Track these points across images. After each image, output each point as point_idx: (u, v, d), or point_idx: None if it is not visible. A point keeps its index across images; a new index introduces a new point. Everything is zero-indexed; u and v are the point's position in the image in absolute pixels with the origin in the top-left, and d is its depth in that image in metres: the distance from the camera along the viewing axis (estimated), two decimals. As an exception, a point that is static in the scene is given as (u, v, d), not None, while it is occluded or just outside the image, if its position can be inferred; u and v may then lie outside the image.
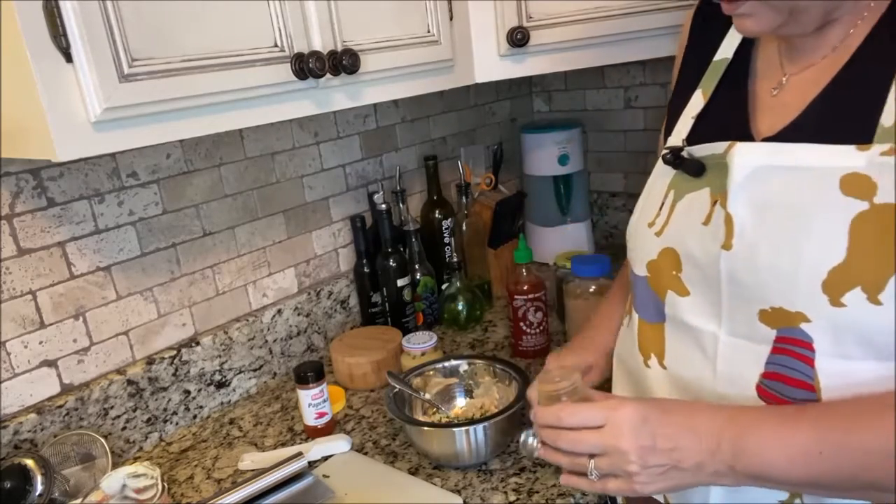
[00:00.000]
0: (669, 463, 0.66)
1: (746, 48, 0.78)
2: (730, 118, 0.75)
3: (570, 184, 1.72)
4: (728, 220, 0.68)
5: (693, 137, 0.78)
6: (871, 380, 0.62)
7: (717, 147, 0.71)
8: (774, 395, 0.67)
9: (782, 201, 0.65)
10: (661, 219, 0.78)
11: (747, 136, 0.71)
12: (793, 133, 0.68)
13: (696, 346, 0.74)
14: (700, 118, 0.79)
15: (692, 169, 0.74)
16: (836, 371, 0.63)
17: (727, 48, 0.79)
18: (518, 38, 1.12)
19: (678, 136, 0.80)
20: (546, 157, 1.69)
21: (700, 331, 0.73)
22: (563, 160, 1.69)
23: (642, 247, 0.80)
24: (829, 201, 0.62)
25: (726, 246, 0.68)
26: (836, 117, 0.66)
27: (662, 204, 0.78)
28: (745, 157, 0.68)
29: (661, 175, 0.81)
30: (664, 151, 0.79)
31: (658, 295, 0.78)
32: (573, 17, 1.13)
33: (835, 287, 0.61)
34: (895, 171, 0.59)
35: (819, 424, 0.62)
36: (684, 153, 0.76)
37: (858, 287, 0.60)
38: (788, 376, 0.66)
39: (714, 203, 0.71)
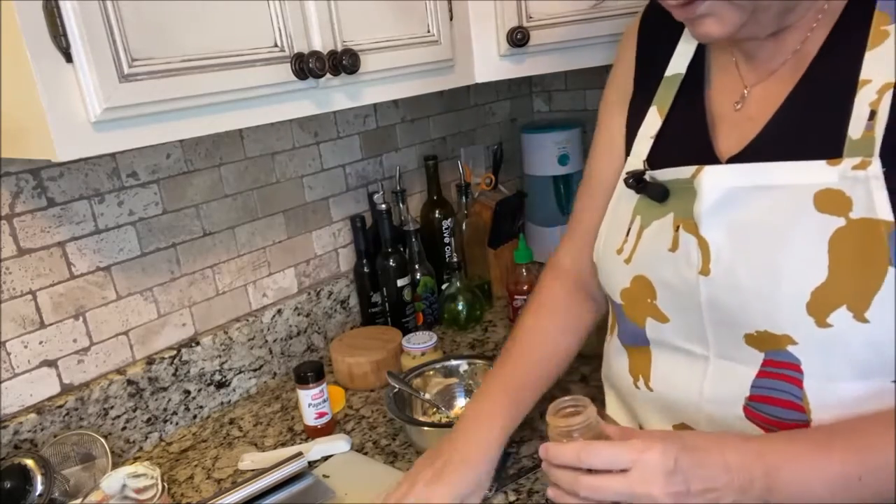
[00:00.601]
0: None
1: (699, 63, 0.75)
2: (690, 138, 0.73)
3: (570, 184, 1.72)
4: (703, 246, 0.66)
5: (654, 159, 0.75)
6: (863, 397, 0.61)
7: (682, 171, 0.69)
8: (762, 415, 0.66)
9: (757, 222, 0.63)
10: (628, 245, 0.75)
11: (711, 157, 0.69)
12: (758, 150, 0.66)
13: (684, 368, 0.72)
14: (658, 138, 0.76)
15: (656, 194, 0.72)
16: (825, 391, 0.62)
17: (679, 63, 0.76)
18: (518, 38, 1.11)
19: (637, 157, 0.77)
20: (546, 157, 1.69)
21: (690, 353, 0.71)
22: (563, 160, 1.69)
23: (613, 275, 0.78)
24: (805, 219, 0.61)
25: (704, 272, 0.66)
26: (801, 131, 0.64)
27: (629, 230, 0.76)
28: (714, 180, 0.65)
29: (624, 199, 0.78)
30: (624, 175, 0.76)
31: (636, 322, 0.76)
32: (573, 17, 1.13)
33: (820, 308, 0.59)
34: (868, 185, 0.58)
35: (850, 448, 0.59)
36: (646, 177, 0.73)
37: (844, 306, 0.59)
38: (776, 398, 0.64)
39: (677, 228, 0.69)
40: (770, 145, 0.66)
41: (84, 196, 1.06)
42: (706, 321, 0.68)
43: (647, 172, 0.74)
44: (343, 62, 0.90)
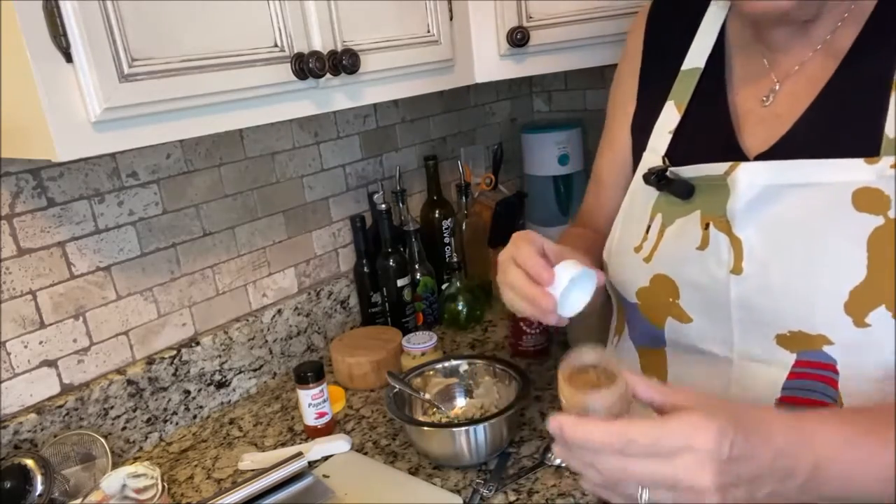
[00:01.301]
0: (746, 496, 0.52)
1: (719, 57, 0.74)
2: (714, 134, 0.71)
3: (570, 184, 1.72)
4: (736, 244, 0.65)
5: (675, 155, 0.73)
6: None
7: (714, 168, 0.67)
8: None
9: (793, 220, 0.62)
10: (648, 244, 0.73)
11: (738, 154, 0.68)
12: (789, 147, 0.65)
13: (705, 370, 0.70)
14: (678, 133, 0.75)
15: (681, 191, 0.70)
16: (860, 391, 0.61)
17: (696, 57, 0.75)
18: (518, 38, 1.11)
19: (655, 152, 0.76)
20: (546, 157, 1.69)
21: (712, 355, 0.69)
22: (563, 160, 1.68)
23: (629, 273, 0.76)
24: (842, 218, 0.60)
25: (736, 270, 0.65)
26: (835, 129, 0.63)
27: (648, 228, 0.74)
28: (751, 178, 0.64)
29: (642, 195, 0.76)
30: (645, 171, 0.74)
31: (654, 322, 0.74)
32: (573, 17, 1.13)
33: (858, 307, 0.59)
34: None
35: None
36: (669, 173, 0.71)
37: (882, 305, 0.58)
38: (809, 399, 0.63)
39: (706, 226, 0.67)
40: (801, 143, 0.65)
41: (84, 196, 1.06)
42: (734, 321, 0.67)
43: (670, 169, 0.72)
44: (343, 62, 0.90)
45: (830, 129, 0.63)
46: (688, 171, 0.70)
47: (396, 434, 1.11)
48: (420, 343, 1.24)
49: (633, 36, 0.84)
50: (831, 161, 0.61)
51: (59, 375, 1.06)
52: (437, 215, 1.53)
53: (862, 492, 0.54)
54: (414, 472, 1.01)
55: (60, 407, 1.03)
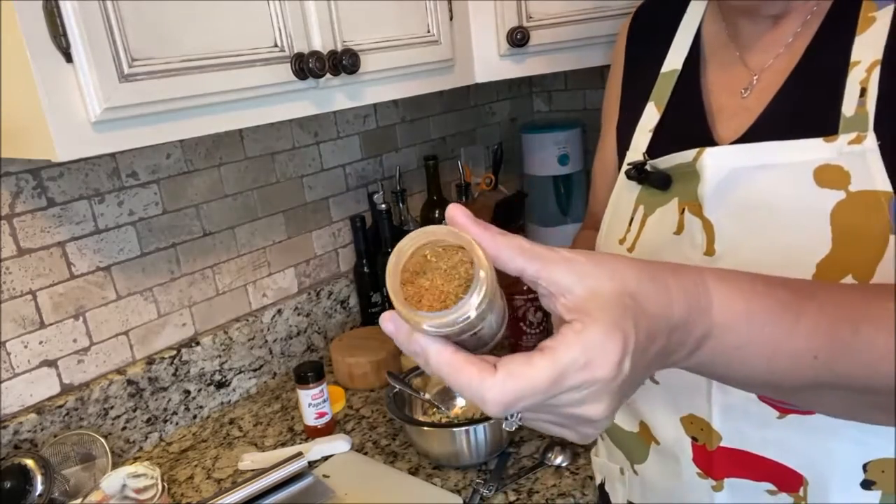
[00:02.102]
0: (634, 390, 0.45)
1: (695, 58, 0.78)
2: (689, 128, 0.75)
3: (570, 184, 1.72)
4: (707, 227, 0.68)
5: (654, 150, 0.77)
6: None
7: (684, 156, 0.70)
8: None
9: (759, 201, 0.65)
10: (631, 234, 0.77)
11: (710, 143, 0.71)
12: (755, 135, 0.68)
13: None
14: (657, 131, 0.78)
15: (658, 182, 0.73)
16: None
17: (674, 59, 0.79)
18: (518, 38, 1.11)
19: (636, 150, 0.79)
20: (546, 157, 1.69)
21: None
22: (563, 160, 1.68)
23: None
24: (805, 195, 0.62)
25: (708, 252, 0.67)
26: (797, 114, 0.66)
27: (632, 220, 0.77)
28: (717, 161, 0.67)
29: (626, 190, 0.80)
30: (626, 167, 0.78)
31: None
32: (573, 17, 1.13)
33: (826, 279, 0.61)
34: (865, 158, 0.60)
35: (826, 316, 0.46)
36: (647, 167, 0.75)
37: (850, 275, 0.60)
38: None
39: (682, 211, 0.70)
40: (767, 129, 0.68)
41: (84, 196, 1.06)
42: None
43: (649, 162, 0.75)
44: (343, 62, 0.90)
45: (792, 114, 0.67)
46: (663, 163, 0.74)
47: (396, 434, 1.11)
48: (420, 343, 1.24)
49: (617, 45, 0.89)
50: (792, 142, 0.64)
51: (59, 375, 1.06)
52: (437, 215, 1.53)
53: (750, 376, 0.47)
54: (414, 472, 1.01)
55: (60, 407, 1.03)
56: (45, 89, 0.68)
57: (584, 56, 1.17)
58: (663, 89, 0.79)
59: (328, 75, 0.89)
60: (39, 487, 0.90)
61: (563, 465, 0.98)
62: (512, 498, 0.93)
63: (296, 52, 0.87)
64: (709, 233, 0.68)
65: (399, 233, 1.42)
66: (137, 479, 0.92)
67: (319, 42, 0.90)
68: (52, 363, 1.05)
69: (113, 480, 0.91)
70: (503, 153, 1.72)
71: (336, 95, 0.95)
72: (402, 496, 0.95)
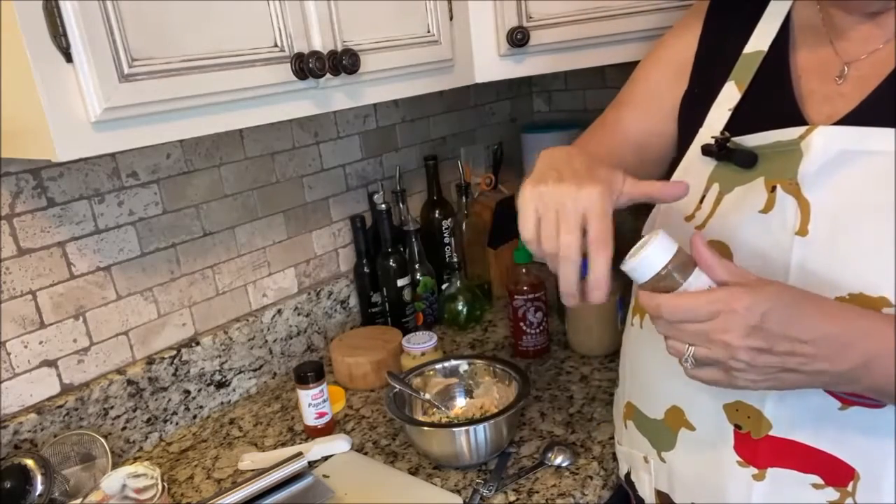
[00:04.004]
0: (782, 366, 0.60)
1: (783, 41, 0.77)
2: (777, 108, 0.74)
3: (570, 184, 1.72)
4: (804, 206, 0.67)
5: (735, 129, 0.75)
6: None
7: (788, 133, 0.69)
8: None
9: (862, 185, 0.64)
10: (702, 212, 0.75)
11: (804, 124, 0.70)
12: (856, 120, 0.67)
13: None
14: (738, 110, 0.77)
15: (744, 160, 0.72)
16: None
17: (760, 41, 0.78)
18: (518, 38, 1.11)
19: (711, 128, 0.78)
20: (546, 157, 1.69)
21: None
22: (563, 160, 1.68)
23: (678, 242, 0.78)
24: None
25: (801, 232, 0.66)
26: None
27: (703, 197, 0.76)
28: (828, 141, 0.66)
29: (697, 166, 0.78)
30: (706, 143, 0.76)
31: None
32: (573, 17, 1.13)
33: None
34: None
35: None
36: (730, 144, 0.74)
37: None
38: None
39: (772, 189, 0.69)
40: (869, 116, 0.67)
41: (84, 196, 1.06)
42: (792, 285, 0.67)
43: (732, 139, 0.74)
44: (343, 62, 0.90)
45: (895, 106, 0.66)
46: (753, 140, 0.72)
47: (396, 434, 1.11)
48: (420, 343, 1.24)
49: (694, 17, 0.86)
50: None
51: (59, 375, 1.06)
52: (437, 215, 1.53)
53: None
54: (414, 472, 1.01)
55: (60, 407, 1.03)
56: (45, 89, 0.68)
57: (584, 56, 1.17)
58: (746, 69, 0.77)
59: (328, 75, 0.89)
60: (39, 487, 0.90)
61: (563, 465, 0.98)
62: (512, 498, 0.93)
63: (296, 52, 0.87)
64: (804, 212, 0.67)
65: (399, 233, 1.43)
66: (137, 479, 0.92)
67: (319, 42, 0.90)
68: (52, 363, 1.05)
69: (113, 480, 0.91)
70: (503, 153, 1.72)
71: (336, 95, 0.95)
72: (402, 496, 0.95)
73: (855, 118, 0.67)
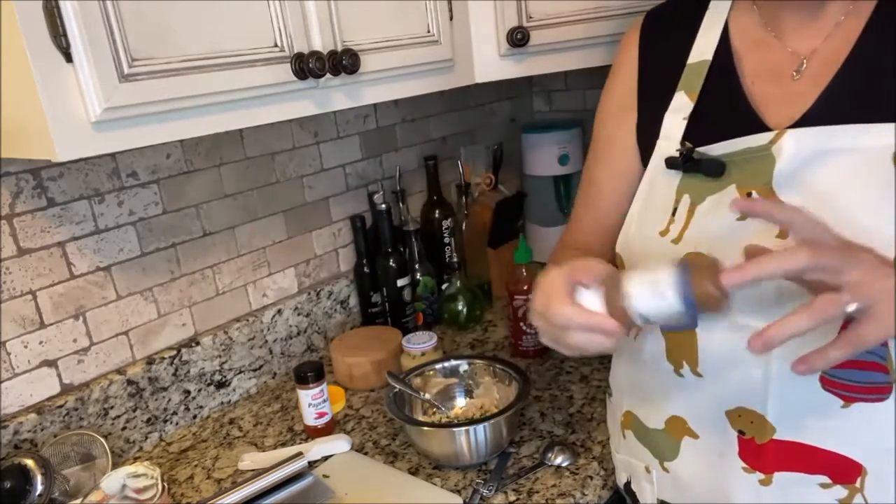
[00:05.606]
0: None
1: (725, 50, 0.77)
2: (733, 115, 0.73)
3: (570, 184, 1.72)
4: None
5: (694, 139, 0.75)
6: None
7: (756, 139, 0.69)
8: (842, 382, 0.65)
9: (837, 182, 0.65)
10: (676, 225, 0.74)
11: (764, 129, 0.70)
12: (815, 119, 0.67)
13: (742, 345, 0.69)
14: (693, 119, 0.76)
15: (712, 169, 0.72)
16: None
17: (703, 51, 0.78)
18: (518, 38, 1.11)
19: (670, 138, 0.77)
20: (546, 157, 1.69)
21: (750, 328, 0.68)
22: (563, 160, 1.68)
23: (652, 257, 0.76)
24: (884, 175, 0.63)
25: (781, 235, 0.66)
26: (859, 97, 0.66)
27: (674, 210, 0.75)
28: (799, 143, 0.66)
29: (662, 180, 0.77)
30: (669, 156, 0.75)
31: None
32: (573, 17, 1.13)
33: None
34: None
35: None
36: (695, 154, 0.73)
37: None
38: (859, 361, 0.64)
39: (748, 196, 0.69)
40: (826, 114, 0.67)
41: (84, 196, 1.06)
42: (782, 288, 0.67)
43: (696, 149, 0.73)
44: (343, 62, 0.90)
45: (853, 99, 0.67)
46: (720, 148, 0.72)
47: (396, 434, 1.11)
48: (420, 343, 1.24)
49: (625, 48, 0.86)
50: (875, 125, 0.64)
51: (59, 375, 1.06)
52: (437, 215, 1.53)
53: None
54: (414, 472, 1.01)
55: (60, 407, 1.03)
56: (44, 89, 0.68)
57: (584, 56, 1.17)
58: (693, 78, 0.77)
59: (328, 75, 0.89)
60: (39, 487, 0.90)
61: (563, 465, 0.98)
62: (512, 498, 0.93)
63: (296, 52, 0.87)
64: None
65: (399, 233, 1.43)
66: (137, 479, 0.92)
67: (319, 42, 0.90)
68: (52, 363, 1.05)
69: (113, 480, 0.91)
70: (503, 153, 1.72)
71: (336, 95, 0.95)
72: (402, 496, 0.95)
73: (812, 117, 0.68)
